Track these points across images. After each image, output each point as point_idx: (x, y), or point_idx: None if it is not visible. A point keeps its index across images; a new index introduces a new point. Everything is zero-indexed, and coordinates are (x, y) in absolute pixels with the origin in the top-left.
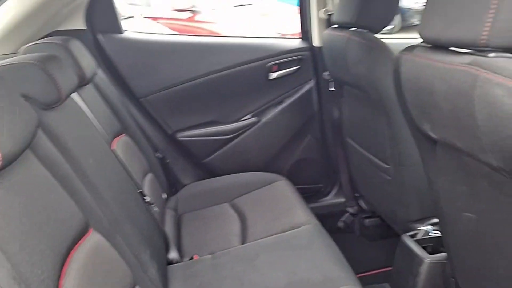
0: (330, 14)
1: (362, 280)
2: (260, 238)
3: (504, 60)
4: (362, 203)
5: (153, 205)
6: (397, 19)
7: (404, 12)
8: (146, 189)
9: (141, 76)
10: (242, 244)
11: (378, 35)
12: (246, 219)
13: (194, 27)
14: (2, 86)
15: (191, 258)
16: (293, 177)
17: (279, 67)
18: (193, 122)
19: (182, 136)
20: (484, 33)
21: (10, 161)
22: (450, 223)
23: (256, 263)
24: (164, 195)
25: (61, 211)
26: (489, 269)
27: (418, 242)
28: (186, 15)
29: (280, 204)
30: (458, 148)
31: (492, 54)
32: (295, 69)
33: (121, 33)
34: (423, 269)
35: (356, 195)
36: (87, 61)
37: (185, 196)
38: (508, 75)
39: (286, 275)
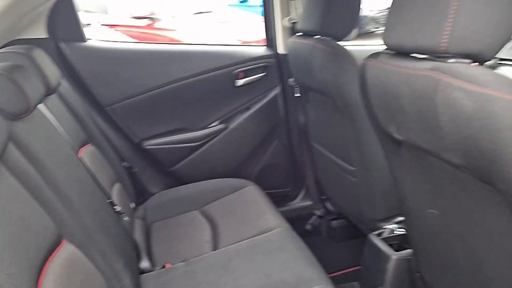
0: (294, 22)
1: (332, 280)
2: (232, 244)
3: (463, 65)
4: (328, 205)
5: (123, 214)
6: None
7: (360, 20)
8: (114, 199)
9: (105, 85)
10: (214, 250)
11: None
12: (217, 225)
13: (154, 34)
14: None
15: (163, 267)
16: (261, 182)
17: (245, 74)
18: (159, 130)
19: (149, 144)
20: (444, 41)
21: None
22: (415, 219)
23: (230, 268)
24: (132, 205)
25: (34, 223)
26: (452, 261)
27: (385, 240)
28: (145, 22)
29: (250, 209)
30: (422, 149)
31: (451, 60)
32: (261, 76)
33: (84, 41)
34: (390, 266)
35: (323, 197)
36: (52, 70)
37: (153, 205)
38: (467, 79)
39: (260, 278)
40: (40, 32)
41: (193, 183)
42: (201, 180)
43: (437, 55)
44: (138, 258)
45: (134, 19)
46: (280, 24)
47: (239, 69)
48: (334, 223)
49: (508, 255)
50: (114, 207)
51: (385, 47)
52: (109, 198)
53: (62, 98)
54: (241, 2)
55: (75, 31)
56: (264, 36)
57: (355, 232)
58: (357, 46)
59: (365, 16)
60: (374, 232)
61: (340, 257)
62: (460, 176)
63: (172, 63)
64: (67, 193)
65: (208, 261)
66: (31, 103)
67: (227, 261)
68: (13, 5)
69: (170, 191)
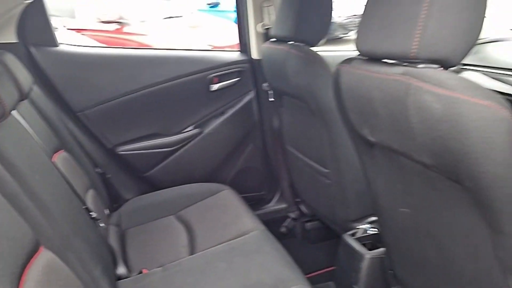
0: (267, 28)
1: (308, 281)
2: (209, 247)
3: (432, 70)
4: (303, 208)
5: (99, 220)
6: None
7: None
8: (89, 206)
9: (78, 90)
10: (191, 254)
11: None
12: (193, 230)
13: (123, 39)
14: None
15: (140, 272)
16: (236, 186)
17: (220, 79)
18: (133, 135)
19: (123, 150)
20: (414, 47)
21: None
22: (388, 218)
23: (208, 272)
24: (106, 211)
25: (12, 229)
26: (423, 257)
27: (358, 240)
28: (113, 27)
29: (227, 213)
30: (394, 150)
31: (421, 65)
32: (235, 80)
33: (56, 46)
34: (364, 265)
35: (297, 200)
36: (24, 75)
37: (128, 211)
38: (436, 83)
39: (239, 281)
40: (10, 36)
41: (168, 189)
42: (176, 185)
43: (407, 60)
44: (114, 264)
45: (102, 23)
46: (253, 30)
47: (214, 74)
48: (308, 225)
49: (475, 249)
50: (90, 214)
51: (354, 52)
52: (85, 204)
53: (33, 103)
54: (211, 7)
55: (47, 36)
56: (234, 41)
57: (329, 234)
58: (328, 52)
59: (334, 22)
60: (348, 232)
61: (315, 258)
62: (430, 175)
63: (146, 68)
64: (43, 200)
65: (186, 265)
66: (6, 108)
67: (205, 265)
68: None
69: (144, 196)
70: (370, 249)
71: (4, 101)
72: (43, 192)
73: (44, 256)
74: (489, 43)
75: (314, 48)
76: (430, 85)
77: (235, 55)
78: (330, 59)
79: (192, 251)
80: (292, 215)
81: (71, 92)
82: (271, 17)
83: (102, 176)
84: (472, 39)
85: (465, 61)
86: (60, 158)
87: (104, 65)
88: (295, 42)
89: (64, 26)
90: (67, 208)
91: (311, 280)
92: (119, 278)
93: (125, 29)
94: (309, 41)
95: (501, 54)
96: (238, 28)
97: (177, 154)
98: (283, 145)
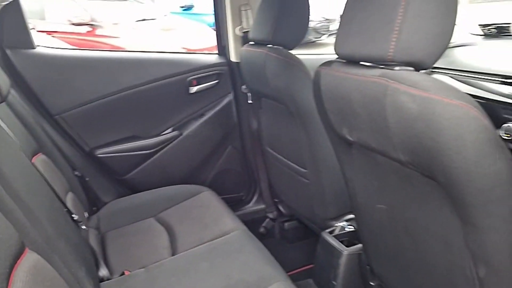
0: (245, 32)
1: None
2: (191, 248)
3: (407, 72)
4: (281, 208)
5: (81, 223)
6: None
7: None
8: (70, 208)
9: (55, 93)
10: (173, 255)
11: None
12: (173, 231)
13: (95, 41)
14: None
15: (122, 274)
16: (215, 188)
17: (199, 81)
18: (112, 138)
19: (101, 153)
20: (390, 50)
21: None
22: (365, 215)
23: (191, 272)
24: (86, 214)
25: None
26: (399, 251)
27: (336, 237)
28: (85, 29)
29: (207, 214)
30: (372, 148)
31: (397, 68)
32: (214, 83)
33: (33, 48)
34: (342, 261)
35: (276, 200)
36: (1, 78)
37: (106, 214)
38: (412, 84)
39: (222, 279)
40: None
41: (147, 191)
42: (155, 188)
43: (384, 63)
44: (96, 267)
45: (73, 25)
46: (232, 33)
47: (192, 77)
48: (287, 224)
49: (448, 242)
50: (72, 216)
51: (328, 56)
52: (66, 207)
53: (11, 107)
54: (184, 10)
55: (23, 38)
56: (208, 44)
57: (307, 233)
58: (304, 56)
59: None
60: (326, 230)
61: (293, 257)
62: (406, 172)
63: (124, 70)
64: (27, 202)
65: (168, 266)
66: None
67: (187, 265)
68: None
69: (123, 199)
70: (347, 246)
71: None
72: (25, 194)
73: (30, 258)
74: (456, 48)
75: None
76: (406, 86)
77: (214, 58)
78: (306, 62)
79: (173, 252)
80: (271, 215)
81: (49, 95)
82: (249, 20)
83: (80, 179)
84: (444, 43)
85: (434, 65)
86: (39, 161)
87: (82, 67)
88: (273, 45)
89: (33, 28)
90: (50, 210)
91: (291, 278)
92: (101, 280)
93: (97, 32)
94: (287, 44)
95: (468, 58)
96: (216, 31)
97: (156, 156)
98: (261, 147)
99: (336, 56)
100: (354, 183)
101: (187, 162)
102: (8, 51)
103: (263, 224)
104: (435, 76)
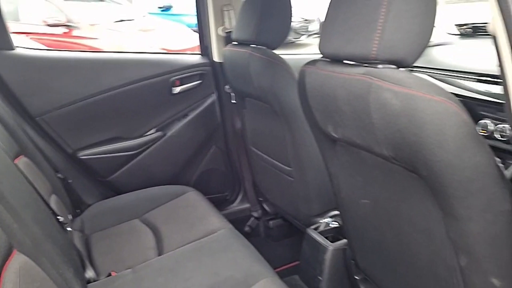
0: (228, 32)
1: None
2: (178, 248)
3: (390, 70)
4: (265, 207)
5: (66, 225)
6: None
7: None
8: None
9: (36, 95)
10: (159, 255)
11: None
12: (159, 232)
13: (72, 43)
14: None
15: (109, 275)
16: (200, 188)
17: (182, 81)
18: (95, 139)
19: (84, 154)
20: (374, 49)
21: None
22: (350, 211)
23: (178, 271)
24: (69, 217)
25: None
26: (383, 245)
27: (321, 233)
28: (61, 30)
29: (193, 213)
30: (356, 145)
31: (380, 66)
32: (197, 83)
33: (12, 49)
34: (328, 256)
35: (260, 199)
36: None
37: (90, 216)
38: (394, 81)
39: (210, 277)
40: None
41: (131, 192)
42: (139, 189)
43: (368, 61)
44: (82, 268)
45: (48, 27)
46: (215, 33)
47: (175, 77)
48: (271, 223)
49: (430, 233)
50: (57, 218)
51: (309, 56)
52: (51, 208)
53: None
54: (162, 10)
55: (2, 39)
56: (188, 45)
57: (291, 230)
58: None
59: None
60: (311, 227)
61: (278, 255)
62: (389, 167)
63: (107, 71)
64: (12, 203)
65: (155, 266)
66: None
67: (174, 265)
68: None
69: (107, 201)
70: (332, 242)
71: None
72: (11, 196)
73: (18, 259)
74: (434, 47)
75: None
76: (389, 84)
77: (197, 58)
78: (288, 63)
79: (160, 252)
80: (255, 214)
81: (29, 96)
82: (231, 21)
83: (63, 181)
84: (424, 42)
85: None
86: (21, 163)
87: (63, 68)
88: (256, 45)
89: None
90: (36, 212)
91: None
92: (88, 281)
93: (74, 33)
94: (270, 44)
95: (445, 56)
96: (199, 31)
97: (139, 157)
98: (246, 146)
99: (317, 56)
100: (338, 180)
101: (171, 163)
102: None
103: (248, 223)
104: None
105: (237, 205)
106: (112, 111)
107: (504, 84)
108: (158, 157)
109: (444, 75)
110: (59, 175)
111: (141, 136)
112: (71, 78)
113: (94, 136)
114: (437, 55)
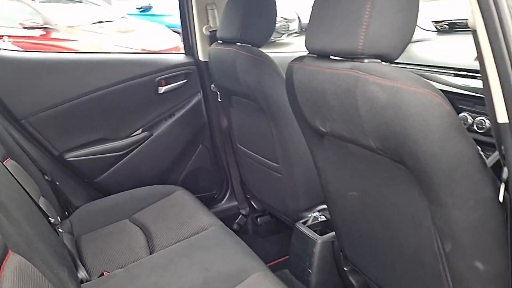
0: (212, 31)
1: None
2: (169, 246)
3: (376, 64)
4: (253, 204)
5: (57, 226)
6: None
7: None
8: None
9: (20, 97)
10: (151, 254)
11: None
12: (149, 231)
13: (50, 45)
14: None
15: (102, 275)
16: (188, 187)
17: (167, 81)
18: (81, 141)
19: (71, 156)
20: (360, 44)
21: None
22: (338, 203)
23: (171, 268)
24: (58, 219)
25: None
26: (370, 235)
27: (309, 227)
28: (38, 32)
29: (182, 212)
30: (344, 138)
31: (366, 60)
32: (182, 83)
33: None
34: (317, 249)
35: (248, 196)
36: None
37: (79, 218)
38: (380, 75)
39: (203, 273)
40: None
41: (119, 193)
42: (127, 190)
43: (354, 56)
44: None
45: (25, 29)
46: (199, 32)
47: (160, 77)
48: (260, 220)
49: (417, 221)
50: (49, 219)
51: (292, 54)
52: (41, 210)
53: None
54: (141, 11)
55: None
56: (168, 45)
57: (279, 226)
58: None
59: None
60: (300, 221)
61: (267, 251)
62: (376, 158)
63: (91, 72)
64: (5, 204)
65: (148, 265)
66: None
67: (167, 262)
68: None
69: (95, 202)
70: (320, 235)
71: None
72: (4, 197)
73: (14, 260)
74: (413, 43)
75: None
76: (375, 77)
77: (181, 58)
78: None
79: (151, 251)
80: (243, 211)
81: (14, 98)
82: (216, 19)
83: (51, 183)
84: (407, 36)
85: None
86: (8, 166)
87: (47, 70)
88: (242, 43)
89: None
90: (28, 212)
91: None
92: (81, 282)
93: (53, 35)
94: (255, 42)
95: (423, 52)
96: (183, 30)
97: (127, 158)
98: (232, 144)
99: (300, 54)
100: (326, 173)
101: (158, 163)
102: None
103: (236, 221)
104: None
105: (225, 203)
106: (98, 112)
107: (483, 76)
108: (145, 157)
109: (424, 71)
110: (47, 177)
111: (128, 136)
112: (56, 79)
113: (81, 137)
114: (417, 51)
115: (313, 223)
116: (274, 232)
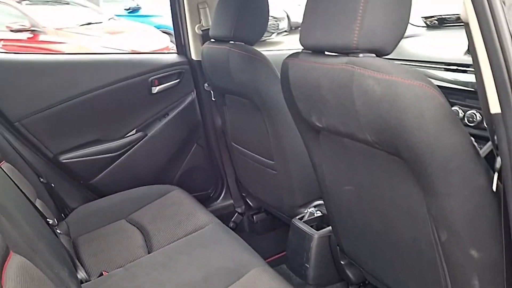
0: (204, 30)
1: None
2: (167, 244)
3: (371, 58)
4: (249, 201)
5: (56, 227)
6: None
7: None
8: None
9: (13, 99)
10: (149, 253)
11: None
12: (147, 230)
13: (39, 48)
14: None
15: (101, 275)
16: (183, 186)
17: (160, 81)
18: (75, 142)
19: (65, 158)
20: (354, 39)
21: None
22: (334, 198)
23: (170, 266)
24: (55, 221)
25: None
26: (367, 228)
27: (306, 222)
28: (25, 35)
29: (179, 211)
30: (339, 132)
31: (361, 55)
32: (175, 82)
33: None
34: (314, 244)
35: (243, 194)
36: None
37: (75, 219)
38: (375, 69)
39: (202, 269)
40: None
41: (115, 194)
42: (123, 190)
43: (350, 51)
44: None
45: (12, 32)
46: (192, 31)
47: (154, 77)
48: (255, 217)
49: (413, 213)
50: (47, 220)
51: (281, 52)
52: (39, 211)
53: None
54: (130, 12)
55: None
56: (157, 46)
57: (275, 223)
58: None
59: None
60: (296, 217)
61: (264, 247)
62: (372, 152)
63: (84, 73)
64: (5, 205)
65: (147, 263)
66: None
67: (166, 260)
68: None
69: (91, 204)
70: (317, 230)
71: None
72: (3, 198)
73: (16, 260)
74: (404, 39)
75: None
76: (371, 71)
77: (173, 57)
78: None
79: (149, 250)
80: (239, 209)
81: (6, 101)
82: (208, 18)
83: (46, 186)
84: (401, 31)
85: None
86: (3, 169)
87: (40, 72)
88: (235, 41)
89: None
90: (27, 213)
91: None
92: (80, 282)
93: (41, 38)
94: (248, 40)
95: (414, 48)
96: (175, 30)
97: (122, 158)
98: (227, 142)
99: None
100: (322, 169)
101: (153, 163)
102: None
103: (232, 219)
104: None
105: (221, 202)
106: (91, 113)
107: (476, 68)
108: (140, 158)
109: (414, 66)
110: (42, 179)
111: (122, 137)
112: (49, 81)
113: (75, 139)
114: (407, 47)
115: (309, 218)
116: (270, 229)
